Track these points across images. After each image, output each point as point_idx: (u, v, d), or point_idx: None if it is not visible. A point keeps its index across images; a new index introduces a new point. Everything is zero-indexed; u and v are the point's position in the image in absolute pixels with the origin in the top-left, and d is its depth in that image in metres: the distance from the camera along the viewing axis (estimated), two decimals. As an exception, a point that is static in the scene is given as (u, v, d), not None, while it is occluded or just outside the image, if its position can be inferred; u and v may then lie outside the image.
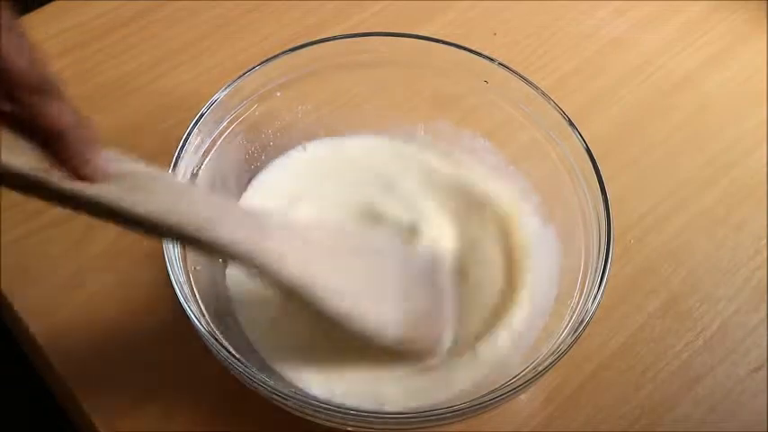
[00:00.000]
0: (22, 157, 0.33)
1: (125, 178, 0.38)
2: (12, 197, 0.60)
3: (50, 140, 0.32)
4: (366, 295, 0.50)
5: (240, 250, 0.44)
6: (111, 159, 0.38)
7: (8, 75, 0.31)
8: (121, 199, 0.38)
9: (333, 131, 0.62)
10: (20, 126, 0.32)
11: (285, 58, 0.57)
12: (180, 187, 0.45)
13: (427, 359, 0.52)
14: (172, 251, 0.48)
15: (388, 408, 0.50)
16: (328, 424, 0.46)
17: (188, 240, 0.43)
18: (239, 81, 0.56)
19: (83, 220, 0.58)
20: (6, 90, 0.31)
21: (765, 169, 0.66)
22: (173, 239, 0.44)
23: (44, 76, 0.32)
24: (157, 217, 0.39)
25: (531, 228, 0.58)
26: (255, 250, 0.44)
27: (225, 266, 0.55)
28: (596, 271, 0.50)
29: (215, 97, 0.55)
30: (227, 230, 0.42)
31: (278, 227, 0.47)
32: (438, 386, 0.52)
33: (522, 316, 0.55)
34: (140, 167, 0.41)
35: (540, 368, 0.46)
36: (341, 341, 0.52)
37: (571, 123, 0.55)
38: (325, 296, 0.47)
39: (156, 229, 0.41)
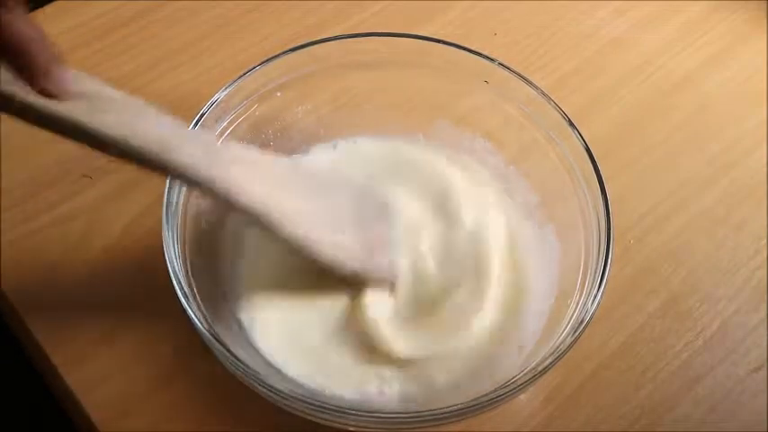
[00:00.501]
0: None
1: (91, 98, 0.40)
2: (12, 197, 0.60)
3: (13, 52, 0.32)
4: (322, 224, 0.52)
5: (200, 175, 0.45)
6: (76, 78, 0.39)
7: None
8: (87, 119, 0.39)
9: (333, 131, 0.62)
10: None
11: (285, 58, 0.57)
12: (144, 109, 0.46)
13: (383, 285, 0.55)
14: (172, 250, 0.48)
15: (387, 395, 0.51)
16: (328, 424, 0.46)
17: (148, 162, 0.44)
18: (239, 81, 0.56)
19: (83, 219, 0.59)
20: None
21: (765, 169, 0.66)
22: (135, 160, 0.44)
23: None
24: (120, 139, 0.41)
25: (530, 228, 0.58)
26: (215, 176, 0.46)
27: (226, 264, 0.55)
28: (596, 271, 0.50)
29: (215, 97, 0.55)
30: (186, 155, 0.44)
31: (238, 155, 0.50)
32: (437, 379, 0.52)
33: (521, 316, 0.55)
34: (106, 89, 0.43)
35: (540, 368, 0.46)
36: (345, 340, 0.52)
37: (571, 123, 0.55)
38: (282, 222, 0.49)
39: (118, 150, 0.42)
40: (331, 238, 0.52)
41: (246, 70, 0.56)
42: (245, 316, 0.53)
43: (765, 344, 0.58)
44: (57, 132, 0.40)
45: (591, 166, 0.53)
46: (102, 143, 0.41)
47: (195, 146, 0.46)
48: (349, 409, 0.46)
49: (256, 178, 0.49)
